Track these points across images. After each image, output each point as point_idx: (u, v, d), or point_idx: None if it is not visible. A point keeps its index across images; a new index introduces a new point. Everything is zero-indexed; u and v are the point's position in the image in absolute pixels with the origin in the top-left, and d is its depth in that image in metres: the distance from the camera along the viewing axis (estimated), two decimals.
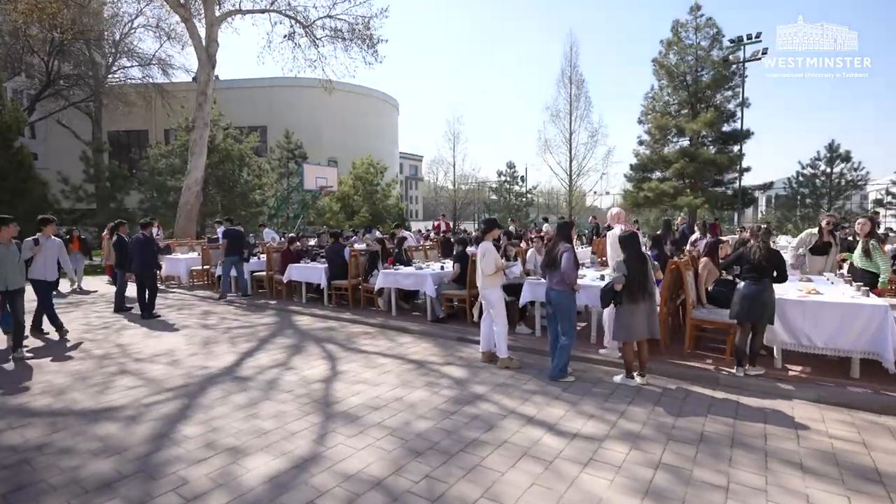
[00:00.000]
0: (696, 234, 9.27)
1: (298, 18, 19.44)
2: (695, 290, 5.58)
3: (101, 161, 22.27)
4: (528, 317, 6.61)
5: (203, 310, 8.84)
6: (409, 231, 19.45)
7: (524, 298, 6.23)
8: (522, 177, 31.84)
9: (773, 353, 4.95)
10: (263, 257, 10.42)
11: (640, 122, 26.95)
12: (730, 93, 25.17)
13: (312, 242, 12.98)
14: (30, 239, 6.29)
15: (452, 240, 10.16)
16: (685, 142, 25.47)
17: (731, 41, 22.95)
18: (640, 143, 26.68)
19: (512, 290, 6.67)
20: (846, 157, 22.58)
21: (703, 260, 5.83)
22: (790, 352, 4.84)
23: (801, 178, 23.75)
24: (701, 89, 24.54)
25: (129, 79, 29.62)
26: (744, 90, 22.26)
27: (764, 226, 7.63)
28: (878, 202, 21.58)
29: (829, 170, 23.01)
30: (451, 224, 20.26)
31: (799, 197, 24.00)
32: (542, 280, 6.23)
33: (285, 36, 19.88)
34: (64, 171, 21.45)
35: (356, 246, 12.37)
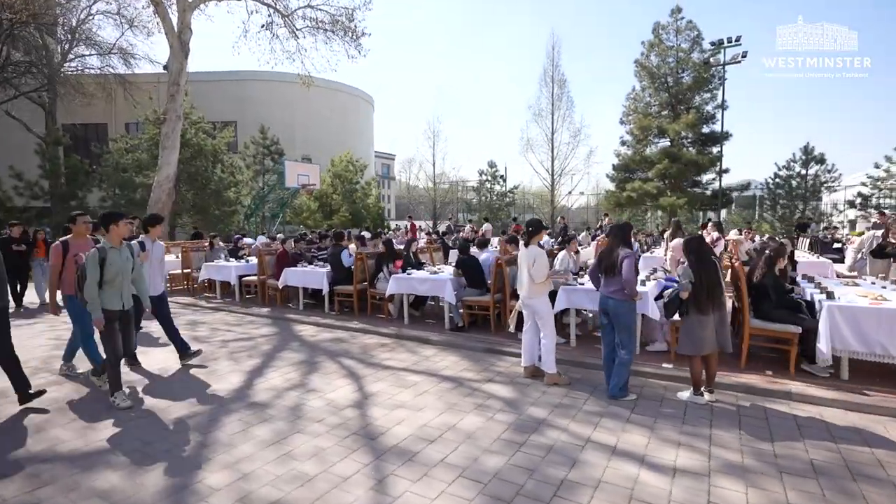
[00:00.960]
0: (715, 235, 9.01)
1: (277, 7, 18.45)
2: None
3: (57, 155, 20.56)
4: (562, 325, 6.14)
5: (189, 319, 7.98)
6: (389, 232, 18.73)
7: (559, 306, 5.75)
8: (503, 176, 31.58)
9: (837, 364, 4.64)
10: (252, 260, 9.59)
11: (621, 122, 27.13)
12: (708, 95, 25.63)
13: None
14: (134, 242, 4.86)
15: (452, 243, 9.65)
16: (665, 142, 25.77)
17: (712, 44, 23.29)
18: (623, 143, 26.85)
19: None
20: (820, 160, 23.31)
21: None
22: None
23: (777, 180, 24.37)
24: (681, 91, 24.85)
25: (88, 67, 27.67)
26: (724, 92, 22.59)
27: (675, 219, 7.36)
28: (850, 203, 22.37)
29: (804, 171, 23.69)
30: (416, 226, 19.59)
31: (775, 198, 24.60)
32: (578, 286, 5.79)
33: (263, 25, 18.86)
34: (16, 166, 19.70)
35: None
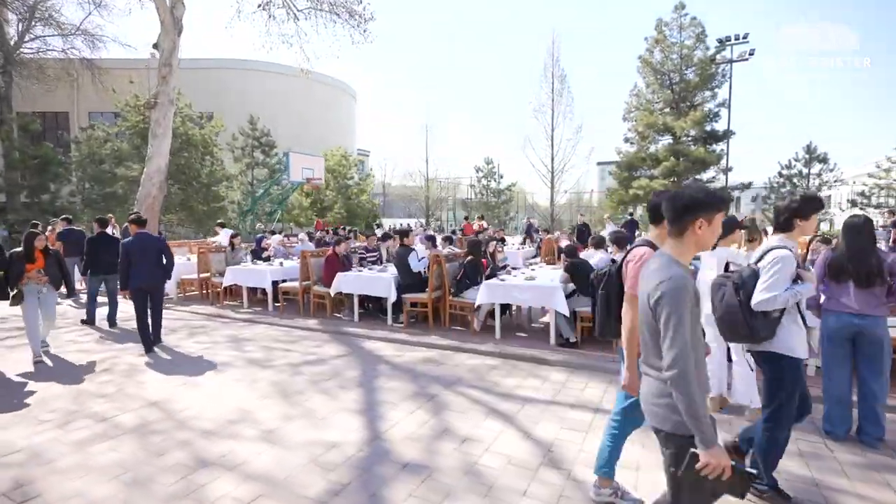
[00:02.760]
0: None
1: None
2: None
3: (25, 144, 18.29)
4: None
5: (227, 335, 6.66)
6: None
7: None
8: (500, 174, 30.72)
9: None
10: (286, 262, 8.29)
11: (624, 119, 26.69)
12: (709, 93, 25.47)
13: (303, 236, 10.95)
14: None
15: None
16: (668, 140, 25.48)
17: (719, 41, 23.09)
18: (626, 140, 26.41)
19: None
20: (823, 159, 23.49)
21: None
22: None
23: (780, 179, 24.45)
24: (687, 88, 24.59)
25: (50, 49, 25.07)
26: (731, 90, 22.42)
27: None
28: (853, 203, 22.63)
29: (806, 170, 23.83)
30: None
31: (780, 197, 24.67)
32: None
33: (259, 5, 17.28)
34: None
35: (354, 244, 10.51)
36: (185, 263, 9.33)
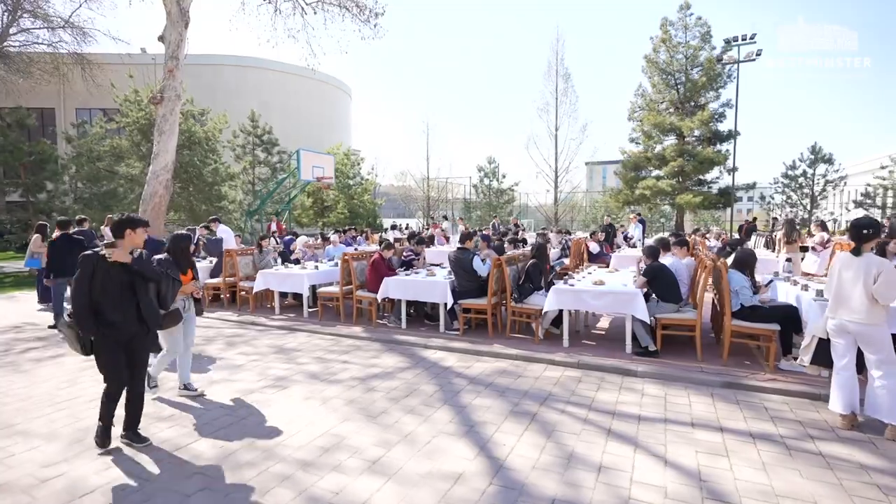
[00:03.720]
0: (824, 236, 8.14)
1: None
2: None
3: (20, 139, 17.42)
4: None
5: (270, 344, 6.19)
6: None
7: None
8: (501, 173, 30.38)
9: None
10: (317, 265, 7.82)
11: (629, 119, 26.57)
12: (713, 93, 25.46)
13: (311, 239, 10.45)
14: None
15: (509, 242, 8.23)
16: (672, 140, 25.42)
17: (726, 41, 23.04)
18: (631, 140, 26.30)
19: (772, 313, 4.98)
20: (828, 159, 23.65)
21: None
22: None
23: (785, 179, 24.57)
24: (694, 88, 24.53)
25: (37, 42, 24.03)
26: (738, 90, 22.39)
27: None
28: (858, 203, 22.82)
29: (811, 171, 23.96)
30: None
31: (786, 197, 24.83)
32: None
33: None
34: None
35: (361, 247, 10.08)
36: (203, 266, 8.78)
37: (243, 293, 8.26)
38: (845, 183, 23.94)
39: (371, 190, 27.14)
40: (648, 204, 25.59)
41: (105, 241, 9.56)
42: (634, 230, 13.10)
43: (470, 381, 4.78)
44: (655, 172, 25.32)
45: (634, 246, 12.49)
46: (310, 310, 7.86)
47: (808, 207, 23.76)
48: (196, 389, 4.41)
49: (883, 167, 22.22)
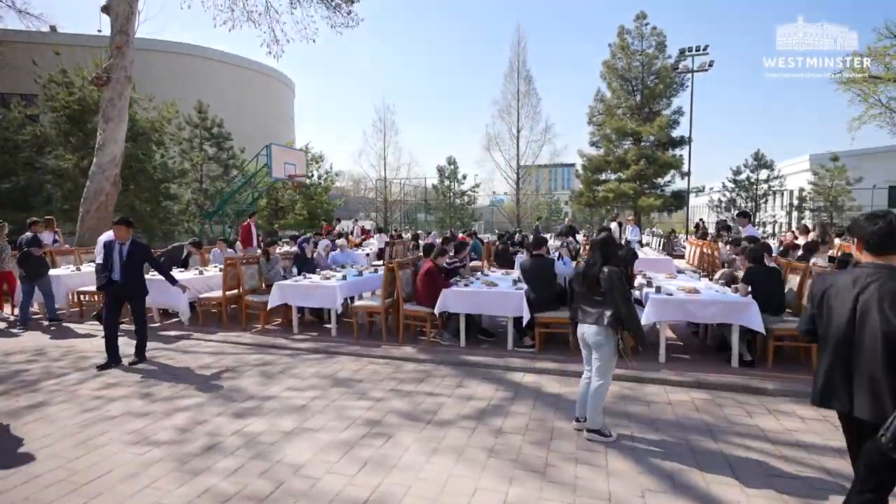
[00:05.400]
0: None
1: None
2: None
3: None
4: None
5: (316, 373, 5.07)
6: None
7: None
8: (464, 175, 29.87)
9: None
10: (345, 276, 6.73)
11: (589, 122, 27.12)
12: (665, 101, 26.65)
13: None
14: None
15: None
16: (629, 144, 26.26)
17: (680, 51, 24.13)
18: (592, 143, 26.83)
19: None
20: (769, 165, 25.49)
21: None
22: None
23: (731, 184, 26.20)
24: (652, 95, 25.46)
25: None
26: (693, 98, 23.51)
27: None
28: (795, 207, 24.80)
29: (755, 176, 25.73)
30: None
31: (732, 200, 26.47)
32: None
33: None
34: None
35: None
36: (194, 278, 7.35)
37: (249, 310, 6.94)
38: (782, 185, 25.97)
39: (330, 189, 25.56)
40: (609, 206, 26.21)
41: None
42: (632, 233, 13.02)
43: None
44: (615, 175, 26.00)
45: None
46: (326, 325, 6.79)
47: (753, 210, 25.51)
48: None
49: (815, 173, 24.33)
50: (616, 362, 3.53)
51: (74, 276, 8.14)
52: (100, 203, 11.55)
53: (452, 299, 5.77)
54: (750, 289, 5.11)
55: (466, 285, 5.99)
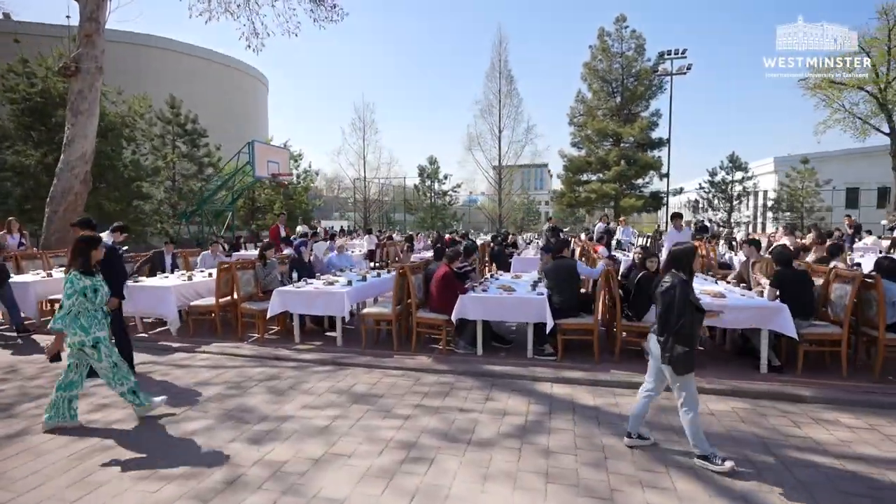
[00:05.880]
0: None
1: None
2: None
3: None
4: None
5: (330, 388, 4.69)
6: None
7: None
8: (446, 175, 29.60)
9: None
10: (350, 280, 6.34)
11: (570, 123, 27.28)
12: (645, 103, 27.07)
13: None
14: None
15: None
16: (609, 145, 26.55)
17: (660, 54, 24.57)
18: (573, 144, 27.01)
19: None
20: (743, 167, 26.19)
21: None
22: None
23: (709, 185, 26.80)
24: (631, 97, 25.81)
25: None
26: (672, 100, 23.96)
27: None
28: (770, 209, 25.56)
29: (730, 178, 26.40)
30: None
31: (710, 201, 27.07)
32: None
33: None
34: None
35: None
36: (179, 283, 6.82)
37: (245, 318, 6.47)
38: (756, 186, 26.75)
39: (310, 188, 24.86)
40: (590, 206, 26.44)
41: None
42: (624, 234, 13.00)
43: (653, 427, 3.85)
44: (596, 176, 26.25)
45: (625, 251, 12.36)
46: (328, 334, 6.42)
47: (729, 210, 26.20)
48: None
49: (787, 175, 25.15)
50: (693, 381, 3.20)
51: (44, 282, 7.46)
52: (69, 203, 10.74)
53: (471, 305, 5.48)
54: (778, 292, 5.01)
55: (484, 290, 5.71)
